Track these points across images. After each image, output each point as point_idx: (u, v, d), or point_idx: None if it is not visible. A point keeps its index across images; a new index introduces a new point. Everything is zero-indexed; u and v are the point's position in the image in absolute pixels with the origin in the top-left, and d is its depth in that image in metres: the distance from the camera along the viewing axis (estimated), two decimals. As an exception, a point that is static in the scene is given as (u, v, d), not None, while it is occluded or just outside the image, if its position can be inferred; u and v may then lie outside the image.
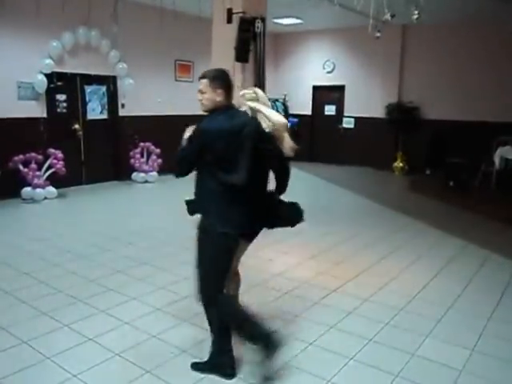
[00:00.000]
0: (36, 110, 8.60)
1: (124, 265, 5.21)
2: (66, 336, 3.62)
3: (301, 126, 13.93)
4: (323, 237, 6.40)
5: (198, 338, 3.60)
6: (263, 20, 6.57)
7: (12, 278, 4.75)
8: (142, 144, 10.20)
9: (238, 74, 6.71)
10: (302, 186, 9.91)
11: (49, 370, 3.17)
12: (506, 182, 9.71)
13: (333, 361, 3.32)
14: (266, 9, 6.83)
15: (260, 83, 6.78)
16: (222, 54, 6.83)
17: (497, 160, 9.96)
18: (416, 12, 7.19)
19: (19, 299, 4.25)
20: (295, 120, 14.13)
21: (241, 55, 6.51)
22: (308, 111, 14.08)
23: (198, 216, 3.04)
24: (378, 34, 8.91)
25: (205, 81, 2.98)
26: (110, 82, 9.80)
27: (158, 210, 7.97)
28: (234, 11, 6.55)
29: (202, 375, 3.11)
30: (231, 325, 3.08)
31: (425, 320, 3.97)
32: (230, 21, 6.59)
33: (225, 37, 6.70)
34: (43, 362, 3.25)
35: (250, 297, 3.85)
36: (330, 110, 13.82)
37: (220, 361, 3.12)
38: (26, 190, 8.21)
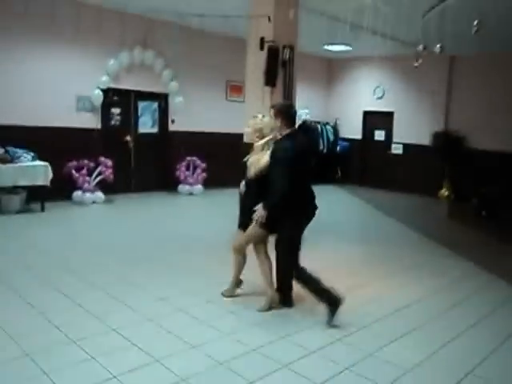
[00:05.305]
0: (92, 121, 9.48)
1: (125, 267, 5.66)
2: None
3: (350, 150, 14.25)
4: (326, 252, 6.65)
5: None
6: (292, 48, 7.06)
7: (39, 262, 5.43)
8: (188, 158, 10.83)
9: (267, 96, 7.19)
10: (342, 207, 10.75)
11: None
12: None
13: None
14: (296, 38, 7.30)
15: (287, 106, 7.22)
16: (254, 78, 7.35)
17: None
18: (438, 46, 7.41)
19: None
20: (345, 144, 14.42)
21: (269, 80, 7.00)
22: (359, 135, 14.33)
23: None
24: (417, 63, 9.10)
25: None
26: (161, 98, 10.59)
27: (193, 221, 8.53)
28: (266, 40, 7.06)
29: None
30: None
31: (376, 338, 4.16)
32: (262, 48, 7.11)
33: (258, 62, 7.22)
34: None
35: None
36: (379, 135, 14.00)
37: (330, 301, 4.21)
38: (77, 194, 9.04)
